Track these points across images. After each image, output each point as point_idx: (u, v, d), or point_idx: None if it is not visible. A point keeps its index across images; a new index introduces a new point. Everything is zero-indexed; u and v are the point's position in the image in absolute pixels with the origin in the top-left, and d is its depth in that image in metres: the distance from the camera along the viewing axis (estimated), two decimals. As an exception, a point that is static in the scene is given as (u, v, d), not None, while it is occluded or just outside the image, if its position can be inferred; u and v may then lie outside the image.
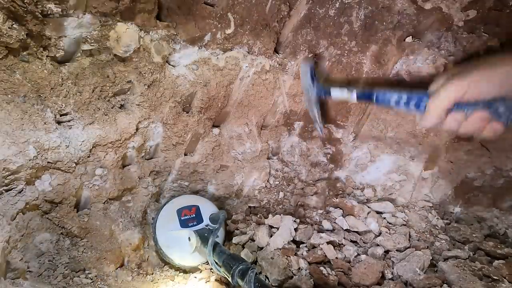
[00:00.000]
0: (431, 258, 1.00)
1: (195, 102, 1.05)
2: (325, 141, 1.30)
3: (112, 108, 0.92)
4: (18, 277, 0.72)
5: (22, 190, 0.79)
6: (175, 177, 1.13)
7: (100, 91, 0.88)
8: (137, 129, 0.97)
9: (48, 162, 0.82)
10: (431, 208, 1.26)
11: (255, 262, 0.99)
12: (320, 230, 1.10)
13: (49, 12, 0.74)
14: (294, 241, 1.05)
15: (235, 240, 1.07)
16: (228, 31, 0.98)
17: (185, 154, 1.12)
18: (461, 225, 1.17)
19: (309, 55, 1.08)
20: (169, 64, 0.98)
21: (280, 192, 1.27)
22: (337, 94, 1.00)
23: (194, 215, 1.07)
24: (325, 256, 0.99)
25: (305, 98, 1.11)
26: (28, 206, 0.79)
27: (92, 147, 0.89)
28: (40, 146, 0.80)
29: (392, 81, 1.12)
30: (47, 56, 0.78)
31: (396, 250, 1.06)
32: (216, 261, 0.91)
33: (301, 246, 1.03)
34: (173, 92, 0.99)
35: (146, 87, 0.94)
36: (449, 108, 0.75)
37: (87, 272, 0.85)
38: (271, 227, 1.08)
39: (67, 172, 0.86)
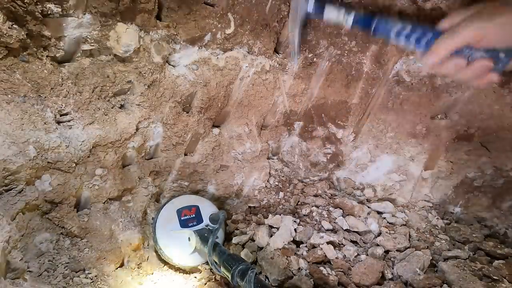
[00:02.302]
0: (431, 258, 1.00)
1: (195, 102, 1.05)
2: (325, 141, 1.30)
3: (112, 108, 0.92)
4: (18, 277, 0.72)
5: (22, 190, 0.79)
6: (175, 177, 1.13)
7: (100, 91, 0.88)
8: (137, 129, 0.97)
9: (48, 162, 0.82)
10: (431, 208, 1.26)
11: (255, 262, 0.99)
12: (320, 230, 1.10)
13: (49, 12, 0.74)
14: (294, 241, 1.05)
15: (235, 240, 1.07)
16: (228, 31, 0.98)
17: (185, 154, 1.12)
18: (461, 225, 1.17)
19: None
20: (169, 64, 0.98)
21: (280, 192, 1.27)
22: (331, 14, 0.82)
23: (194, 215, 1.07)
24: (325, 256, 0.99)
25: (291, 13, 0.91)
26: (28, 206, 0.79)
27: (92, 147, 0.89)
28: (40, 146, 0.80)
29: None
30: (47, 56, 0.78)
31: (396, 250, 1.06)
32: (216, 261, 0.91)
33: (301, 246, 1.03)
34: (173, 92, 0.99)
35: (146, 87, 0.94)
36: (457, 49, 0.68)
37: (87, 272, 0.85)
38: (271, 227, 1.08)
39: (67, 172, 0.86)
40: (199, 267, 1.01)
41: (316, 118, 1.26)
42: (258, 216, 1.16)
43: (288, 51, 1.02)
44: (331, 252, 1.00)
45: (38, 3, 0.72)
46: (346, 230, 1.13)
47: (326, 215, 1.17)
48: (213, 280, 0.96)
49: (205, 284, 0.95)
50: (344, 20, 0.82)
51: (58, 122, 0.84)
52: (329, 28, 1.05)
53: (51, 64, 0.79)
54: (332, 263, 0.98)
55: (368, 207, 1.21)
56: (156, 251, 1.03)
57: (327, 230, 1.11)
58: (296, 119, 1.26)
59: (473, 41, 0.67)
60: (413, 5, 1.00)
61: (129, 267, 0.95)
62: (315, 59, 1.11)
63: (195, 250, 1.01)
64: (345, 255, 1.01)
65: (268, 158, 1.30)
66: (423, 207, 1.27)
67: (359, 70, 1.14)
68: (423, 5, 0.99)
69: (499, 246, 1.05)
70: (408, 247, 1.06)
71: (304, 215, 1.17)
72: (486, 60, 0.68)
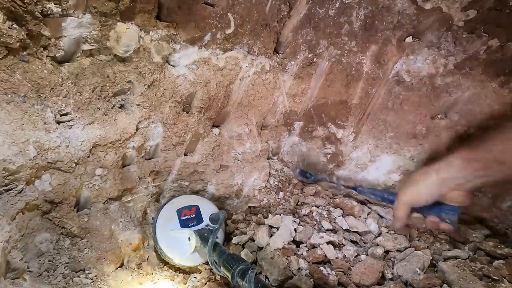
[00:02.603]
0: (431, 258, 1.00)
1: (195, 102, 1.05)
2: (325, 141, 1.30)
3: (112, 108, 0.92)
4: (18, 277, 0.72)
5: (22, 190, 0.79)
6: (175, 177, 1.13)
7: (100, 91, 0.88)
8: (137, 129, 0.97)
9: (48, 162, 0.82)
10: (431, 208, 1.26)
11: (255, 262, 0.99)
12: (320, 230, 1.10)
13: (49, 12, 0.74)
14: (294, 241, 1.05)
15: (235, 240, 1.07)
16: (228, 31, 0.98)
17: (185, 154, 1.12)
18: (461, 225, 1.17)
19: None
20: (169, 64, 0.98)
21: (280, 192, 1.27)
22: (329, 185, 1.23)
23: (194, 215, 1.07)
24: (325, 256, 0.99)
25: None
26: (28, 206, 0.79)
27: (92, 147, 0.89)
28: (40, 146, 0.80)
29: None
30: (47, 56, 0.78)
31: (396, 250, 1.06)
32: (216, 261, 0.91)
33: (301, 246, 1.03)
34: (173, 92, 0.99)
35: (146, 87, 0.94)
36: (409, 210, 0.90)
37: (87, 272, 0.85)
38: (271, 227, 1.08)
39: (67, 172, 0.86)
40: (199, 267, 1.01)
41: (316, 118, 1.26)
42: (258, 216, 1.16)
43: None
44: (331, 252, 1.00)
45: (38, 3, 0.72)
46: (346, 230, 1.13)
47: (326, 215, 1.17)
48: (213, 280, 0.96)
49: (205, 284, 0.95)
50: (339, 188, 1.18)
51: (58, 122, 0.84)
52: (329, 28, 1.05)
53: (51, 64, 0.79)
54: (332, 263, 0.98)
55: (368, 207, 1.21)
56: (156, 251, 1.03)
57: (327, 230, 1.11)
58: (296, 119, 1.26)
59: (412, 203, 0.89)
60: (413, 5, 1.00)
61: (129, 267, 0.95)
62: (315, 59, 1.11)
63: (195, 250, 1.01)
64: (345, 255, 1.01)
65: (268, 158, 1.30)
66: (423, 207, 1.27)
67: (359, 70, 1.14)
68: (423, 5, 0.99)
69: (499, 246, 1.05)
70: (408, 247, 1.06)
71: (304, 215, 1.17)
72: (431, 216, 0.90)
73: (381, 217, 1.18)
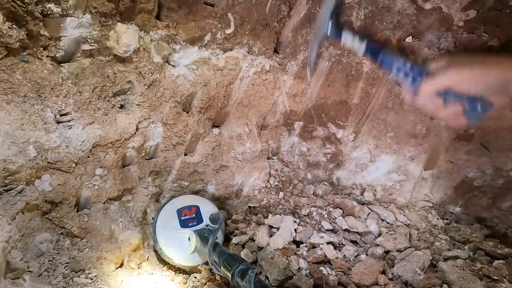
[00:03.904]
0: (431, 258, 1.00)
1: (195, 102, 1.05)
2: (325, 141, 1.30)
3: (112, 108, 0.92)
4: (18, 277, 0.72)
5: (22, 190, 0.79)
6: (175, 177, 1.13)
7: (100, 91, 0.88)
8: (137, 129, 0.97)
9: (48, 162, 0.82)
10: (431, 208, 1.26)
11: (255, 262, 0.99)
12: (320, 230, 1.10)
13: (49, 12, 0.74)
14: (294, 241, 1.05)
15: (235, 240, 1.07)
16: (228, 31, 0.98)
17: (185, 154, 1.12)
18: (461, 225, 1.17)
19: None
20: (169, 64, 0.98)
21: (280, 192, 1.27)
22: (348, 38, 0.89)
23: (194, 215, 1.07)
24: (325, 256, 0.99)
25: (313, 32, 0.99)
26: (28, 206, 0.79)
27: (92, 147, 0.89)
28: (40, 146, 0.80)
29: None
30: (47, 56, 0.78)
31: (396, 250, 1.06)
32: (216, 261, 0.91)
33: (301, 246, 1.03)
34: (173, 92, 0.99)
35: (146, 87, 0.94)
36: (438, 92, 0.77)
37: (87, 272, 0.85)
38: (271, 227, 1.08)
39: (67, 172, 0.86)
40: (199, 267, 1.01)
41: (316, 118, 1.26)
42: (258, 216, 1.16)
43: (308, 62, 1.03)
44: (331, 252, 1.00)
45: (38, 3, 0.72)
46: (346, 230, 1.13)
47: (326, 215, 1.17)
48: (213, 280, 0.96)
49: (205, 284, 0.95)
50: (357, 47, 0.88)
51: (58, 122, 0.84)
52: (329, 28, 1.05)
53: (51, 64, 0.79)
54: (332, 263, 0.98)
55: (368, 208, 1.21)
56: (156, 251, 1.03)
57: (327, 230, 1.11)
58: (296, 119, 1.26)
59: (450, 86, 0.77)
60: (413, 5, 1.00)
61: (129, 267, 0.95)
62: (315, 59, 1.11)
63: (195, 250, 1.01)
64: (345, 255, 1.01)
65: (268, 158, 1.30)
66: (423, 207, 1.27)
67: (359, 70, 1.14)
68: (423, 5, 0.99)
69: (499, 246, 1.05)
70: (408, 247, 1.06)
71: (304, 215, 1.17)
72: (457, 105, 0.77)
73: (382, 219, 1.18)
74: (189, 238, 1.02)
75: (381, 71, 1.13)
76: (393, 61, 0.84)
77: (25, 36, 0.72)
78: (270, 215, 1.11)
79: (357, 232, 1.12)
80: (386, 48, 0.86)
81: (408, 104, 0.99)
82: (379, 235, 1.12)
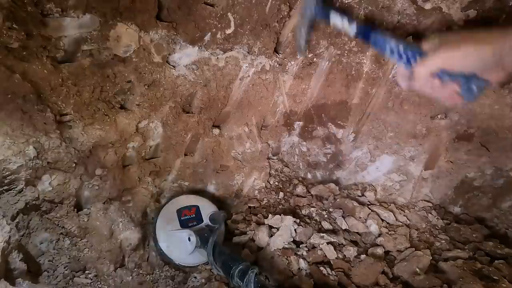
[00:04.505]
0: (431, 258, 1.00)
1: (195, 102, 1.05)
2: (325, 141, 1.30)
3: (112, 108, 0.92)
4: (17, 277, 0.72)
5: (22, 190, 0.79)
6: (175, 177, 1.13)
7: (100, 91, 0.88)
8: (137, 129, 0.97)
9: (48, 162, 0.82)
10: (431, 208, 1.26)
11: (255, 262, 0.99)
12: (320, 230, 1.10)
13: (49, 12, 0.74)
14: (294, 241, 1.05)
15: (235, 240, 1.07)
16: (228, 31, 0.98)
17: (185, 154, 1.12)
18: (461, 225, 1.17)
19: None
20: (169, 64, 0.97)
21: (280, 192, 1.27)
22: (336, 21, 0.87)
23: (194, 215, 1.07)
24: (325, 256, 0.99)
25: (300, 14, 0.94)
26: (28, 206, 0.79)
27: (92, 147, 0.89)
28: (40, 146, 0.80)
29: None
30: (47, 56, 0.78)
31: (396, 251, 1.06)
32: (216, 261, 0.91)
33: (301, 246, 1.03)
34: (173, 92, 0.99)
35: (146, 87, 0.94)
36: (433, 72, 0.76)
37: (87, 272, 0.85)
38: (271, 227, 1.08)
39: (67, 172, 0.86)
40: (199, 267, 1.01)
41: (316, 118, 1.26)
42: (258, 216, 1.16)
43: (296, 44, 1.00)
44: (331, 252, 1.00)
45: (38, 3, 0.72)
46: (346, 230, 1.13)
47: (326, 216, 1.17)
48: (213, 280, 0.96)
49: (205, 284, 0.95)
50: (347, 28, 0.86)
51: (58, 122, 0.84)
52: (329, 28, 1.05)
53: (51, 64, 0.79)
54: (332, 263, 0.98)
55: (369, 208, 1.21)
56: (156, 251, 1.03)
57: (327, 230, 1.11)
58: (296, 119, 1.26)
59: (443, 66, 0.76)
60: (413, 5, 1.00)
61: (129, 267, 0.95)
62: (315, 59, 1.11)
63: (195, 250, 1.01)
64: (345, 255, 1.01)
65: (268, 158, 1.30)
66: (423, 207, 1.27)
67: (359, 70, 1.14)
68: (423, 5, 0.99)
69: (499, 246, 1.05)
70: (408, 247, 1.06)
71: (304, 215, 1.17)
72: (454, 84, 0.76)
73: (382, 220, 1.18)
74: (189, 238, 1.02)
75: (381, 71, 1.13)
76: (386, 42, 0.82)
77: (25, 36, 0.72)
78: (270, 215, 1.11)
79: (357, 232, 1.12)
80: (377, 29, 0.84)
81: (405, 88, 0.95)
82: (379, 235, 1.12)
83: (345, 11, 0.93)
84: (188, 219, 1.06)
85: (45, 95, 0.80)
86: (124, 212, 1.00)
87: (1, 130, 0.74)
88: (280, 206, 1.22)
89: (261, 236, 1.04)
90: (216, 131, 1.15)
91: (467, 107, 1.11)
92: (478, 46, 0.72)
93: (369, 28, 0.84)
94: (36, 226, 0.82)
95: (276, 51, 1.09)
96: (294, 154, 1.33)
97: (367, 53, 1.11)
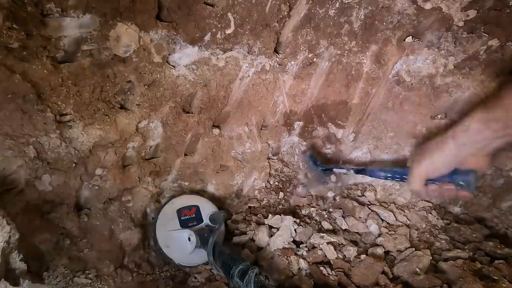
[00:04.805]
0: (431, 258, 1.00)
1: (195, 102, 1.05)
2: (325, 141, 1.30)
3: (112, 108, 0.92)
4: (17, 277, 0.71)
5: (22, 190, 0.79)
6: (175, 177, 1.13)
7: (100, 91, 0.88)
8: (137, 129, 0.97)
9: (48, 162, 0.82)
10: (431, 208, 1.26)
11: (255, 262, 0.99)
12: (320, 230, 1.10)
13: (49, 12, 0.74)
14: (294, 241, 1.05)
15: (235, 240, 1.07)
16: (228, 31, 0.98)
17: (185, 154, 1.12)
18: (461, 225, 1.17)
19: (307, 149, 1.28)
20: (169, 64, 0.97)
21: (280, 192, 1.27)
22: (339, 171, 1.18)
23: (194, 215, 1.07)
24: (325, 256, 1.00)
25: (310, 177, 1.28)
26: (28, 206, 0.79)
27: (92, 147, 0.89)
28: (40, 146, 0.80)
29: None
30: (47, 56, 0.78)
31: (396, 251, 1.06)
32: (216, 261, 0.91)
33: (301, 246, 1.03)
34: (173, 92, 0.99)
35: (146, 87, 0.94)
36: (424, 183, 0.88)
37: (87, 272, 0.85)
38: (271, 227, 1.08)
39: (67, 172, 0.86)
40: (199, 267, 1.01)
41: (316, 118, 1.26)
42: (258, 216, 1.16)
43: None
44: (331, 252, 1.00)
45: (38, 3, 0.72)
46: (346, 230, 1.13)
47: (326, 215, 1.17)
48: (213, 280, 0.96)
49: (205, 284, 0.95)
50: (349, 172, 1.14)
51: (58, 122, 0.84)
52: (329, 28, 1.05)
53: (51, 64, 0.79)
54: (332, 263, 0.98)
55: (369, 208, 1.21)
56: (156, 251, 1.03)
57: (327, 230, 1.11)
58: (296, 119, 1.26)
59: (425, 176, 0.87)
60: (413, 5, 1.00)
61: (129, 267, 0.95)
62: (315, 59, 1.11)
63: (195, 250, 1.01)
64: (345, 255, 1.01)
65: (268, 158, 1.30)
66: (423, 207, 1.27)
67: (359, 70, 1.14)
68: (423, 5, 0.99)
69: (499, 246, 1.05)
70: (408, 247, 1.06)
71: (304, 215, 1.17)
72: (447, 184, 0.87)
73: (382, 220, 1.18)
74: (189, 238, 1.02)
75: (381, 71, 1.13)
76: (379, 172, 1.04)
77: (25, 36, 0.72)
78: (270, 215, 1.11)
79: (357, 232, 1.12)
80: (370, 166, 1.09)
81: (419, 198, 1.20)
82: (379, 235, 1.12)
83: (343, 164, 1.28)
84: (188, 219, 1.06)
85: (45, 95, 0.80)
86: (124, 212, 1.00)
87: (1, 130, 0.74)
88: (280, 206, 1.22)
89: (261, 236, 1.04)
90: (216, 131, 1.15)
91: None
92: (441, 147, 0.82)
93: (363, 168, 1.11)
94: (36, 226, 0.82)
95: (276, 51, 1.09)
96: (294, 154, 1.33)
97: (367, 53, 1.11)
